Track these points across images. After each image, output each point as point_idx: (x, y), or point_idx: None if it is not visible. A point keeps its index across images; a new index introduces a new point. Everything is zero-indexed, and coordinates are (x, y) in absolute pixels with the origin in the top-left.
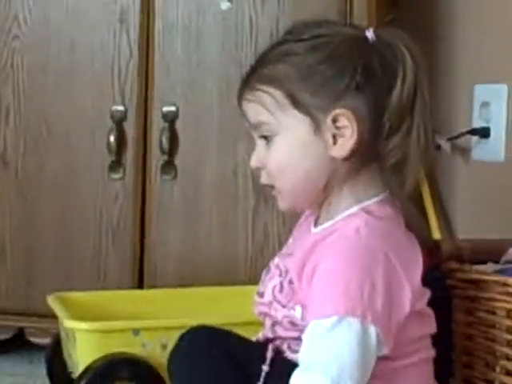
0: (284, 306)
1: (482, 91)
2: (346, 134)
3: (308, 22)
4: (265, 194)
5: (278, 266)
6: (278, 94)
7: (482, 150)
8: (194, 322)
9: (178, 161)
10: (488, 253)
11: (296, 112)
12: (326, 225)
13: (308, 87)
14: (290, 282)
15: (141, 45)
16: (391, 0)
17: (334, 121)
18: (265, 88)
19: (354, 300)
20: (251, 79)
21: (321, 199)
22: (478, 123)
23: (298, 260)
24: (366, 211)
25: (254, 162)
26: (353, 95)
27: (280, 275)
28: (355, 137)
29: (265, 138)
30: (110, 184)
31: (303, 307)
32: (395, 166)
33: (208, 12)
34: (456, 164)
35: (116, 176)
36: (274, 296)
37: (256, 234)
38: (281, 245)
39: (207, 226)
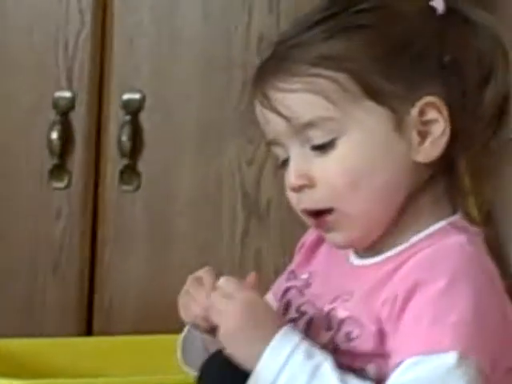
0: (348, 369)
1: None
2: (436, 131)
3: None
4: (258, 210)
5: (327, 315)
6: (344, 78)
7: None
8: (160, 379)
9: (142, 166)
10: None
11: (370, 103)
12: (400, 248)
13: (384, 70)
14: (348, 336)
15: (95, 10)
16: None
17: (421, 113)
18: (323, 71)
19: (472, 334)
20: (294, 60)
21: (393, 220)
22: None
23: (368, 295)
24: (458, 228)
25: (295, 179)
26: (439, 80)
27: (329, 328)
28: (448, 133)
29: (318, 146)
30: (51, 195)
31: (378, 365)
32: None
33: None
34: None
35: (59, 185)
36: None
37: (245, 264)
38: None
39: (180, 253)
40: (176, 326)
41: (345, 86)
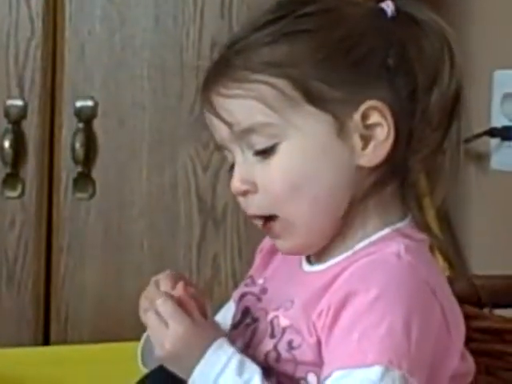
0: (290, 378)
1: (503, 79)
2: (379, 135)
3: None
4: (215, 215)
5: (271, 323)
6: (284, 84)
7: (503, 156)
8: None
9: (96, 173)
10: None
11: (311, 108)
12: (343, 255)
13: (326, 75)
14: (290, 344)
15: (46, 18)
16: None
17: (364, 118)
18: (264, 78)
19: (400, 347)
20: (235, 66)
21: (338, 226)
22: (498, 121)
23: (307, 305)
24: (402, 234)
25: (238, 184)
26: (384, 83)
27: (272, 335)
28: (392, 137)
29: (260, 151)
30: (4, 204)
31: (318, 375)
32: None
33: None
34: (470, 174)
35: (12, 194)
36: (270, 366)
37: (202, 270)
38: (236, 285)
39: (136, 261)
40: (134, 334)
41: (285, 91)
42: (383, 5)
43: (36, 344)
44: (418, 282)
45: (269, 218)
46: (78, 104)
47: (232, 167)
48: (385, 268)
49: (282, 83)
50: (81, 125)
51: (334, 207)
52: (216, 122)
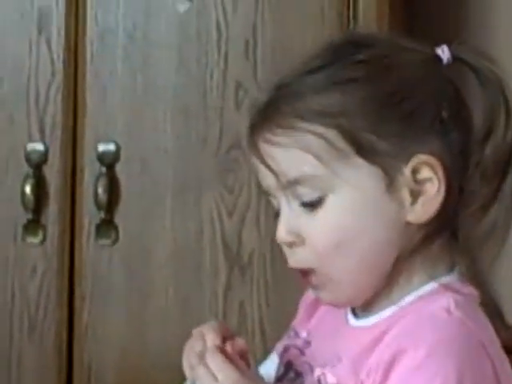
0: None
1: None
2: (429, 191)
3: (350, 38)
4: (241, 262)
5: (318, 380)
6: (333, 135)
7: None
8: None
9: (119, 219)
10: None
11: (360, 161)
12: (388, 312)
13: (376, 127)
14: None
15: (67, 60)
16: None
17: (414, 172)
18: (312, 127)
19: None
20: (284, 113)
21: (384, 281)
22: None
23: (355, 362)
24: (451, 289)
25: (284, 234)
26: (436, 136)
27: None
28: (443, 193)
29: (306, 203)
30: (26, 251)
31: None
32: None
33: (160, 14)
34: None
35: (34, 240)
36: None
37: (229, 318)
38: (263, 332)
39: (161, 310)
40: None
41: (334, 142)
42: (439, 51)
43: None
44: (468, 338)
45: (306, 271)
46: (101, 148)
47: (277, 214)
48: (434, 324)
49: (331, 134)
50: (103, 169)
51: (380, 264)
52: (262, 168)
